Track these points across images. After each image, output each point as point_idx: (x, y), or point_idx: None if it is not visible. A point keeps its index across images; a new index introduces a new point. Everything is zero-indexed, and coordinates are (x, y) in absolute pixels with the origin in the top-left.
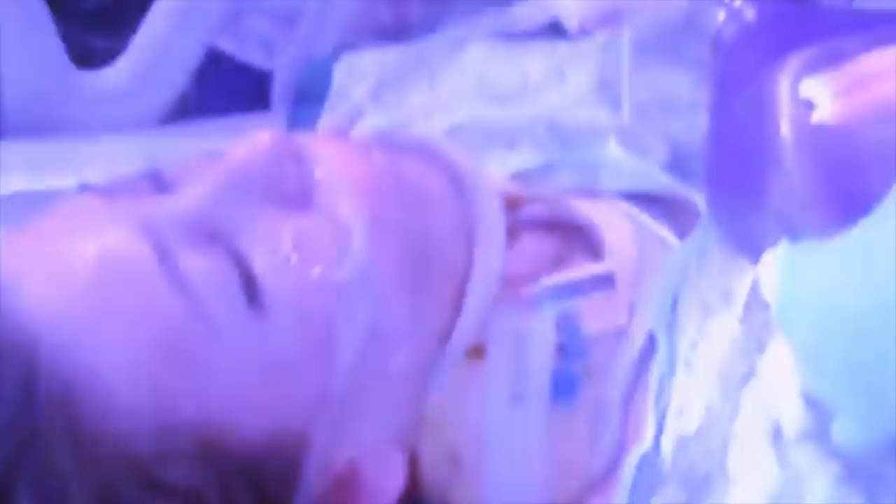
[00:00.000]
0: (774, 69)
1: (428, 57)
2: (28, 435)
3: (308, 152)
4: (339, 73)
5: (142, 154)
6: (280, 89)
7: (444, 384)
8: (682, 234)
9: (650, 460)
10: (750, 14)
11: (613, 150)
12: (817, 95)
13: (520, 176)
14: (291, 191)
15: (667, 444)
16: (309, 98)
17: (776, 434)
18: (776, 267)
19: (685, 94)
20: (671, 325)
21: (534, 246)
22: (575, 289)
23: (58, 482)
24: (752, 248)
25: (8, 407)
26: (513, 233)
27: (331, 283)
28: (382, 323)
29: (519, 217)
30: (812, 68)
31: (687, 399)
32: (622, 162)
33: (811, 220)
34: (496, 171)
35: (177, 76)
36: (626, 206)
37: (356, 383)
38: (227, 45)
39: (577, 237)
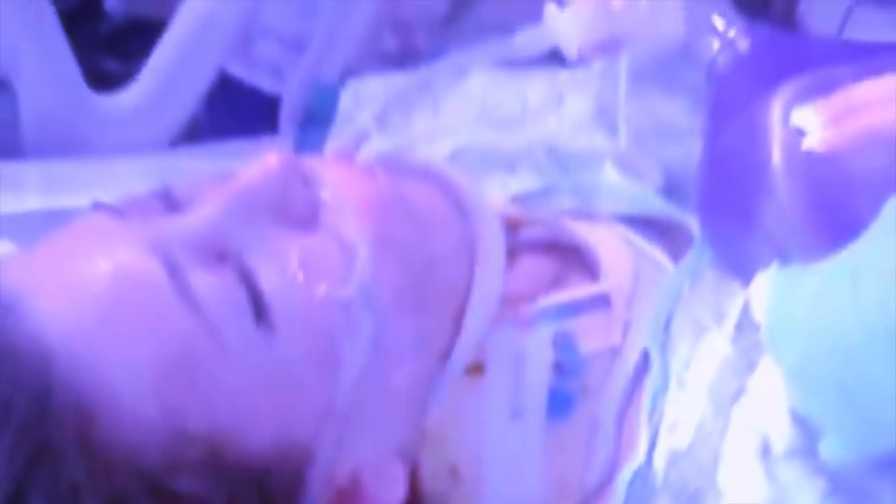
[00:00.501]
0: (767, 97)
1: (432, 83)
2: (41, 446)
3: (315, 174)
4: (346, 98)
5: (154, 174)
6: (288, 113)
7: (445, 400)
8: (676, 256)
9: (643, 475)
10: (743, 44)
11: (610, 174)
12: (808, 123)
13: (519, 199)
14: (298, 211)
15: (659, 460)
16: (316, 122)
17: (765, 450)
18: (767, 289)
19: (680, 121)
20: (664, 345)
21: (532, 266)
22: (572, 308)
23: (69, 493)
24: (743, 271)
25: (21, 419)
26: (512, 254)
27: (336, 301)
28: (385, 340)
29: (518, 238)
30: (803, 97)
31: (679, 416)
32: (619, 186)
33: (801, 244)
34: (496, 193)
35: (188, 99)
36: (622, 229)
37: (359, 398)
38: (237, 70)
39: (574, 258)
